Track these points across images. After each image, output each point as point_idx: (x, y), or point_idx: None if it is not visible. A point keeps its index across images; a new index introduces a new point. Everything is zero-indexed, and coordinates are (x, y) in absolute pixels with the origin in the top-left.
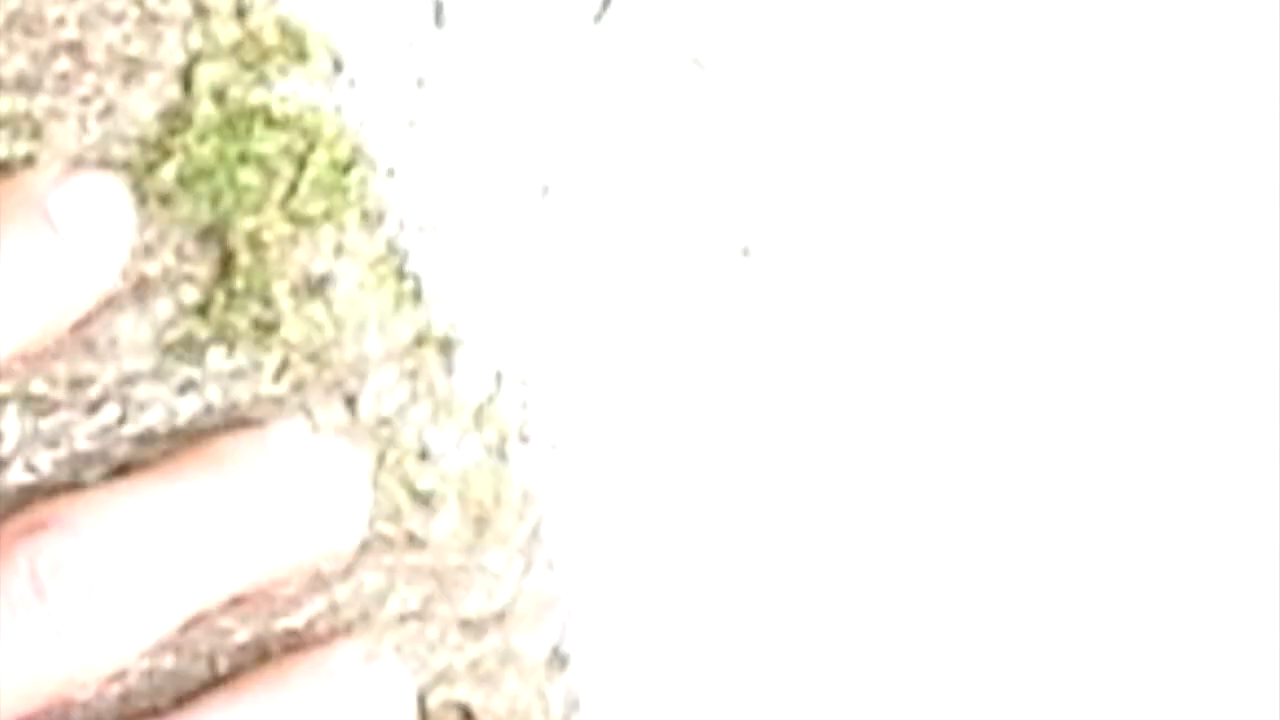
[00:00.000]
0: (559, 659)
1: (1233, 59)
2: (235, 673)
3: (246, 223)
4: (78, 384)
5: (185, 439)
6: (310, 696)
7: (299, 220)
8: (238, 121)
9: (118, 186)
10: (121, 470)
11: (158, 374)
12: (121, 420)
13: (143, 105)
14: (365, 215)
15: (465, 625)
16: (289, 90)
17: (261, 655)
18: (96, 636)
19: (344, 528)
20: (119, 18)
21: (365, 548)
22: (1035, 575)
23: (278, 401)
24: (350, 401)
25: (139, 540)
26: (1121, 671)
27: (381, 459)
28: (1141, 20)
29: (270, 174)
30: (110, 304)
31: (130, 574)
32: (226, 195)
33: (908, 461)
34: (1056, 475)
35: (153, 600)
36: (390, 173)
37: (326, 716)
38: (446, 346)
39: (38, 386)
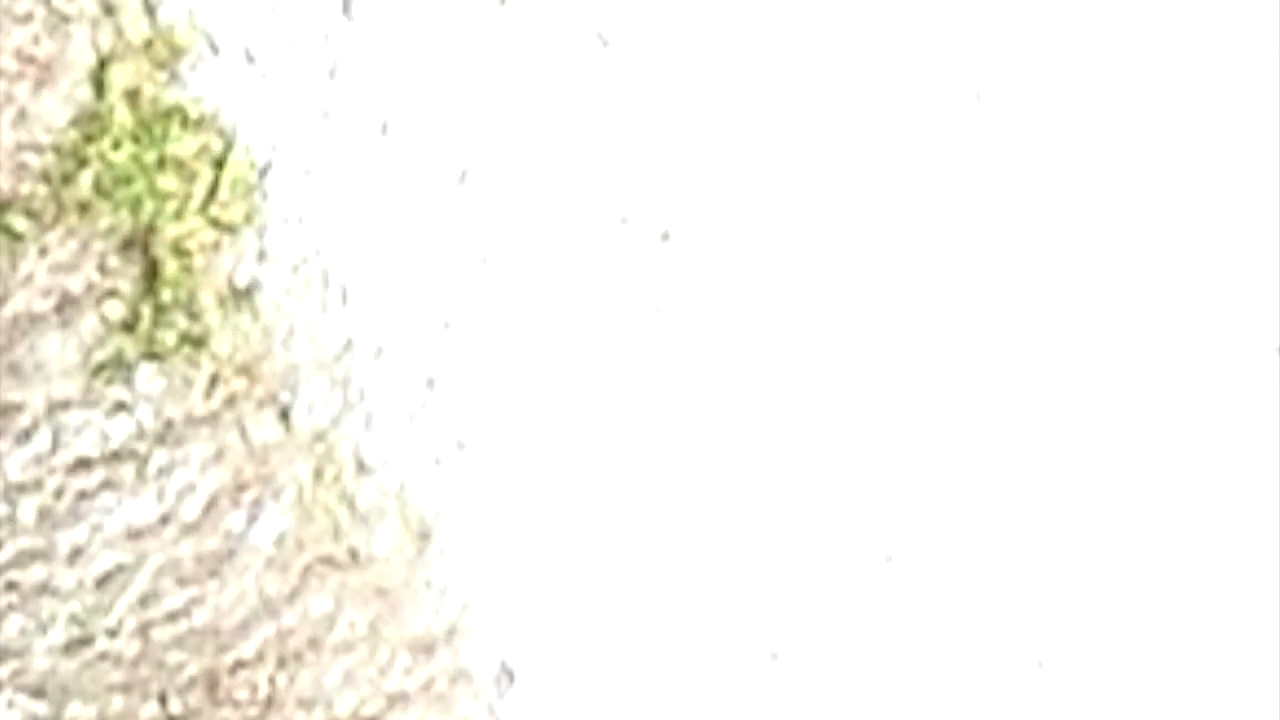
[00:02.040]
0: (508, 674)
1: (1233, 59)
2: (187, 709)
3: (170, 230)
4: (6, 412)
5: (119, 464)
6: None
7: (221, 225)
8: (153, 124)
9: None
10: (57, 496)
11: (87, 397)
12: (54, 448)
13: (56, 110)
14: (285, 217)
15: (415, 645)
16: (202, 88)
17: (211, 688)
18: None
19: None
20: (26, 18)
21: (309, 569)
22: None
23: (211, 419)
24: (284, 414)
25: None
26: (1120, 669)
27: (319, 474)
28: (1131, 20)
29: (189, 177)
30: (34, 325)
31: None
32: (147, 202)
33: (815, 439)
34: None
35: None
36: (307, 171)
37: None
38: (377, 351)
39: None
